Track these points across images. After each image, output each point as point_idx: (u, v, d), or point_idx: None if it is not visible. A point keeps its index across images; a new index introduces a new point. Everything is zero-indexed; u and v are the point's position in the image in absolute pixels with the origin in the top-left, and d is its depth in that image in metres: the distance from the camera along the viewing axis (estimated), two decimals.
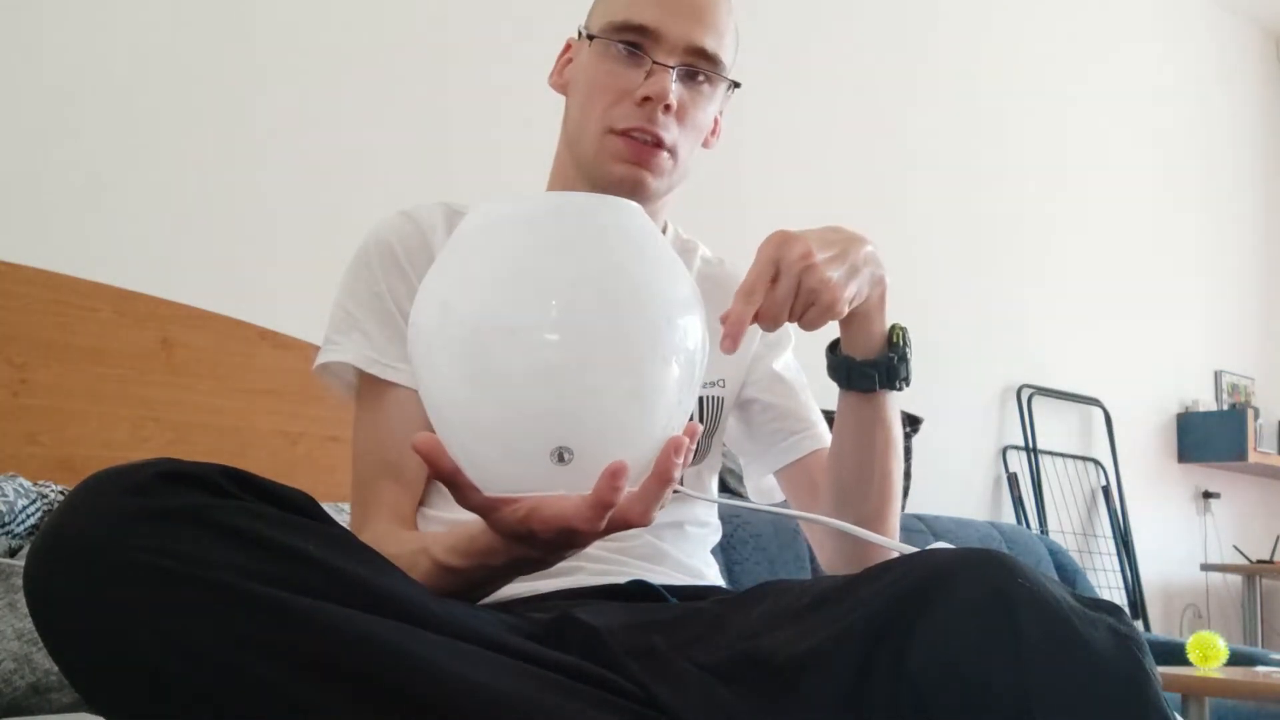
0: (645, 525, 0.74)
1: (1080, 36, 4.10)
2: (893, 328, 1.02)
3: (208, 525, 0.66)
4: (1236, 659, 2.47)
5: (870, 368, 1.00)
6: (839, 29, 3.34)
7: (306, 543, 0.68)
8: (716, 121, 1.14)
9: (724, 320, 0.86)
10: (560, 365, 0.68)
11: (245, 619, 0.63)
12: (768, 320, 0.89)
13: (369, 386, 1.06)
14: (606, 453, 0.69)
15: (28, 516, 1.53)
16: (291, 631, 0.64)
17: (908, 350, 1.01)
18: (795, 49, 3.17)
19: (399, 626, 0.67)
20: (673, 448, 0.72)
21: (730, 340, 0.85)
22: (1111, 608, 0.69)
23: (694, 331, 0.73)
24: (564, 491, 0.71)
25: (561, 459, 0.69)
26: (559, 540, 0.74)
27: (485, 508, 0.74)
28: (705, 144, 1.12)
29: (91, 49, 2.01)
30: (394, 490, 1.03)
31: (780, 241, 0.90)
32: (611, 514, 0.72)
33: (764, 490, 1.23)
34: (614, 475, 0.69)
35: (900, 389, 1.02)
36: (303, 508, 0.73)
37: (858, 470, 1.05)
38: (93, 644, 0.64)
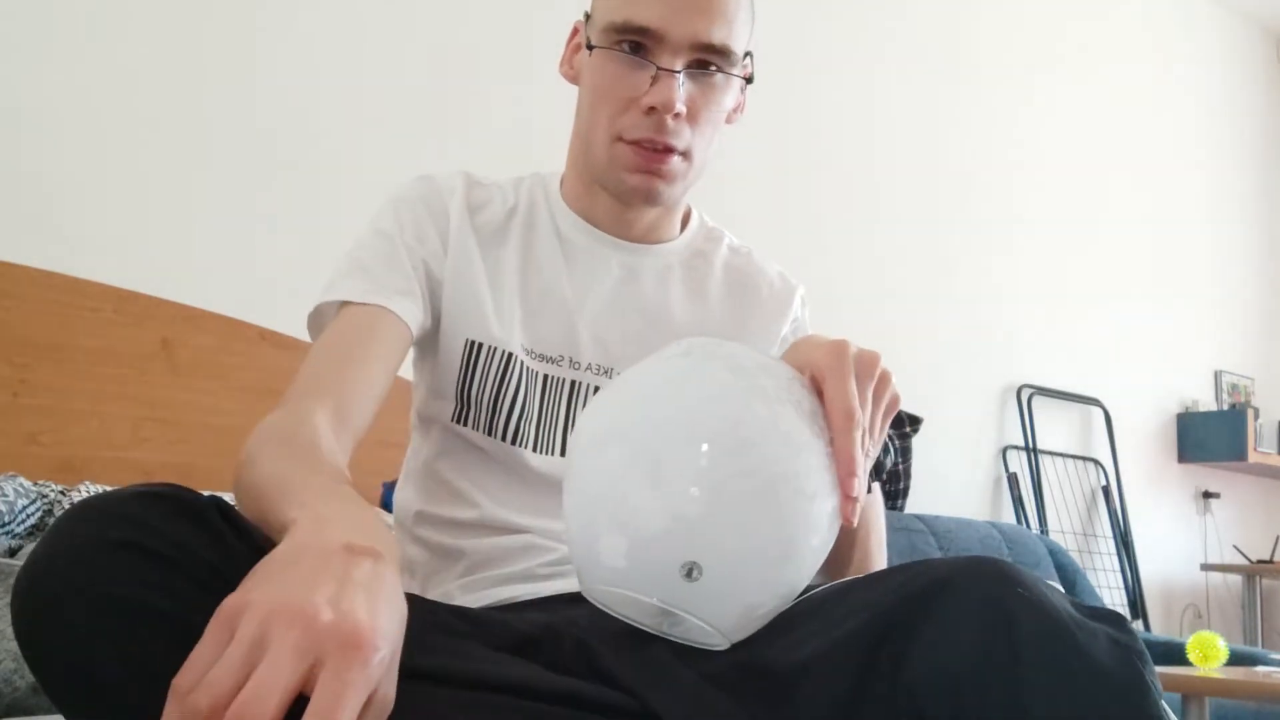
0: None
1: (1080, 35, 4.09)
2: None
3: (192, 563, 0.65)
4: (1236, 659, 2.47)
5: None
6: (836, 30, 3.34)
7: None
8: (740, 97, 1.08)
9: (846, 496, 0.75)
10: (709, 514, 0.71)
11: None
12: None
13: (353, 309, 0.99)
14: (730, 584, 0.71)
15: (28, 516, 1.54)
16: None
17: (885, 438, 0.95)
18: (788, 47, 3.17)
19: None
20: None
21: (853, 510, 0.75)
22: (1112, 617, 0.68)
23: (830, 512, 0.75)
24: (663, 600, 0.71)
25: (690, 575, 0.70)
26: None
27: None
28: (728, 121, 1.07)
29: (92, 49, 2.01)
30: (347, 391, 0.93)
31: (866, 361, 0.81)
32: None
33: None
34: None
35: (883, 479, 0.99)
36: None
37: (836, 554, 1.01)
38: (75, 674, 0.63)
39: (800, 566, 0.74)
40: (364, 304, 0.99)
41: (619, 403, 0.77)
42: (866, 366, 0.78)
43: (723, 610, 0.72)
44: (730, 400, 0.73)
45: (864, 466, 0.74)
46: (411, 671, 0.67)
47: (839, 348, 0.78)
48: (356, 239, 1.06)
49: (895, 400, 0.81)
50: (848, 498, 0.73)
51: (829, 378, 0.76)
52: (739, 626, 0.74)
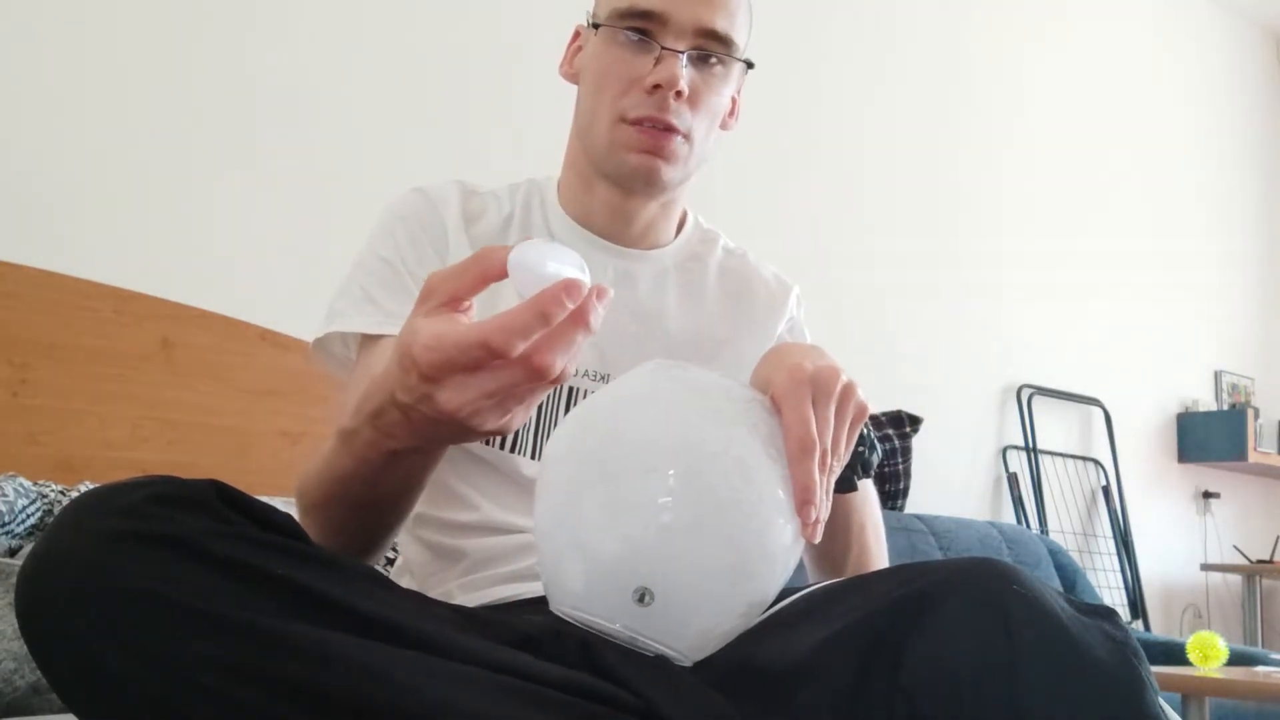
0: (500, 350, 0.65)
1: (1079, 35, 4.10)
2: None
3: (198, 552, 0.65)
4: (1236, 659, 2.47)
5: (846, 469, 0.90)
6: (835, 34, 3.34)
7: (299, 571, 0.67)
8: (734, 102, 1.12)
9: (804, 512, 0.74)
10: (670, 528, 0.70)
11: (236, 647, 0.63)
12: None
13: (372, 344, 1.03)
14: (684, 608, 0.70)
15: (28, 516, 1.53)
16: (283, 659, 0.63)
17: (873, 436, 0.93)
18: (789, 49, 3.17)
19: (391, 651, 0.66)
20: (563, 288, 0.64)
21: (813, 531, 0.75)
22: (1106, 612, 0.69)
23: (790, 532, 0.74)
24: (625, 626, 0.70)
25: (642, 599, 0.70)
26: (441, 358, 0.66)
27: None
28: (723, 126, 1.10)
29: (92, 49, 2.01)
30: None
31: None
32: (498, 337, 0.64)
33: None
34: (569, 288, 0.64)
35: (872, 475, 0.97)
36: (290, 532, 0.72)
37: (833, 550, 1.02)
38: (82, 668, 0.63)
39: (760, 586, 0.73)
40: (380, 335, 1.01)
41: (580, 422, 0.77)
42: (824, 387, 0.77)
43: (678, 633, 0.71)
44: (683, 423, 0.72)
45: (824, 489, 0.74)
46: (411, 646, 0.67)
47: (796, 372, 0.77)
48: (357, 262, 1.07)
49: (861, 411, 0.80)
50: (805, 523, 0.73)
51: (784, 404, 0.75)
52: (697, 647, 0.73)
